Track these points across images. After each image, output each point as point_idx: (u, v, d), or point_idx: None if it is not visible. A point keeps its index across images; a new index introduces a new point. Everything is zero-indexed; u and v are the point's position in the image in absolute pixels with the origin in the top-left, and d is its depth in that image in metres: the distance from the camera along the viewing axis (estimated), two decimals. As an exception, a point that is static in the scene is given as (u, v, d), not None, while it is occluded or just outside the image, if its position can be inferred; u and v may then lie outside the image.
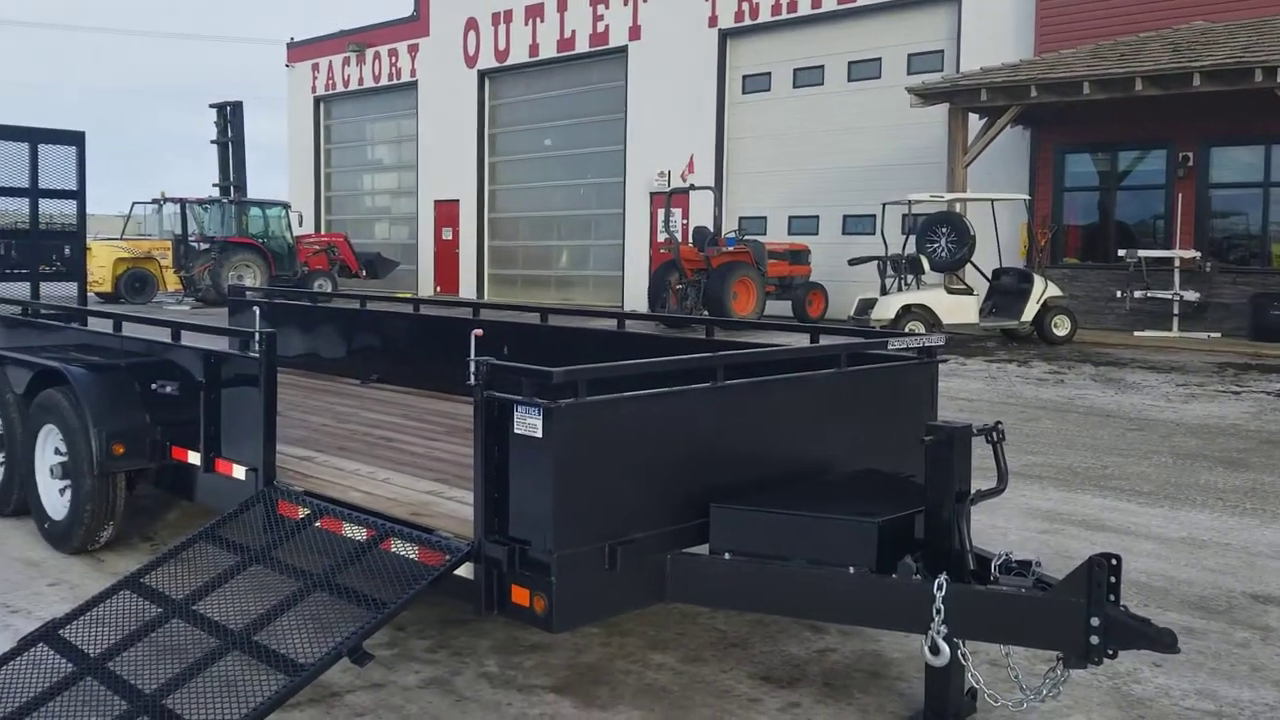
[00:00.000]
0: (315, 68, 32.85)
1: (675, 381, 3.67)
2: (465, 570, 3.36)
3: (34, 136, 7.59)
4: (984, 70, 17.11)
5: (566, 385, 3.24)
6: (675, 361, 3.87)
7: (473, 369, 3.39)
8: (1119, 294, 16.77)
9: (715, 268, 18.33)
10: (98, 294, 22.75)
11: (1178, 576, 5.07)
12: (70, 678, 3.42)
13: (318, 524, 3.81)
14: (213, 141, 26.91)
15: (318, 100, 33.04)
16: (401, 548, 3.51)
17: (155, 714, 3.11)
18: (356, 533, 3.67)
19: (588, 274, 26.12)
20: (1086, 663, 3.20)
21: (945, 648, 3.24)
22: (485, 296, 27.48)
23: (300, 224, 26.16)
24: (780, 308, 19.32)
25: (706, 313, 17.72)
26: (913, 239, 15.99)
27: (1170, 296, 16.29)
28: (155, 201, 26.73)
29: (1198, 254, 16.35)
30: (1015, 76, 16.24)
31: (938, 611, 3.24)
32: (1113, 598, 3.16)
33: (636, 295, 22.52)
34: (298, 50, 33.53)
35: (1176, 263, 16.24)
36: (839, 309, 18.46)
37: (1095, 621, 3.13)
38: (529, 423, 3.25)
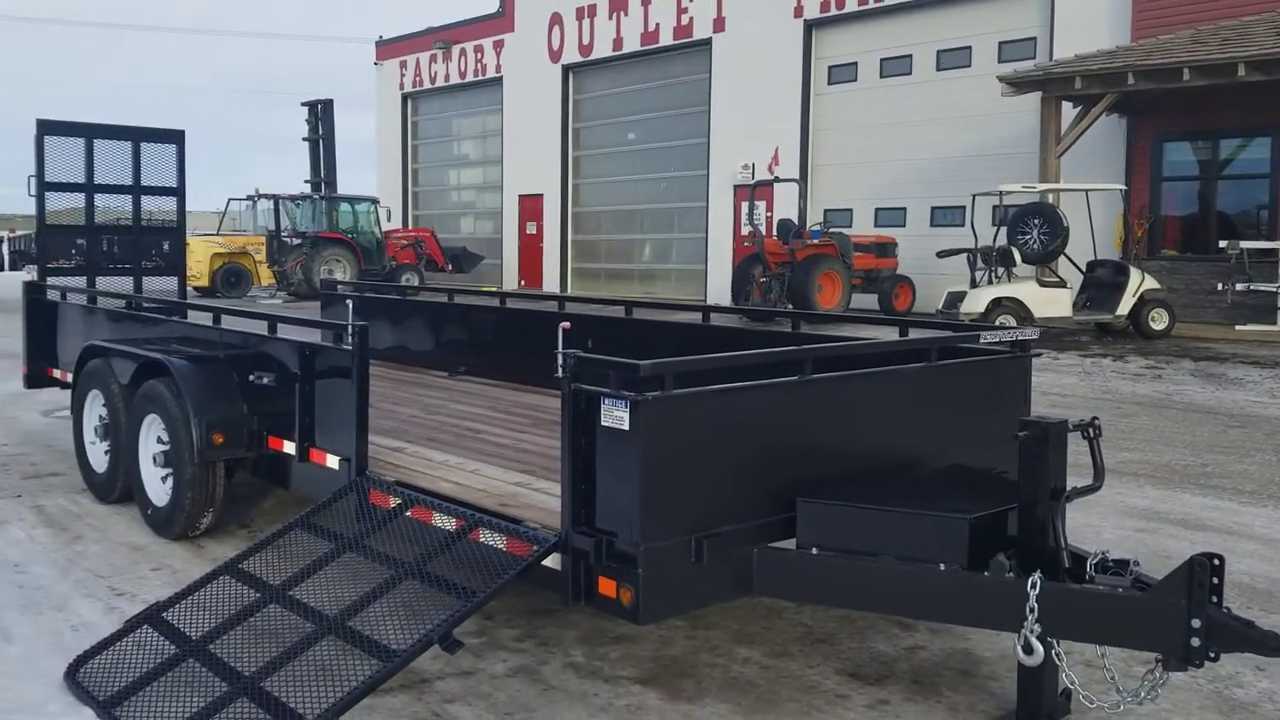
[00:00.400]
0: (403, 65, 33.38)
1: (762, 375, 3.65)
2: (553, 561, 3.39)
3: (137, 135, 7.83)
4: (1078, 58, 16.66)
5: (653, 378, 3.24)
6: (762, 355, 3.83)
7: (560, 361, 3.42)
8: (1220, 286, 16.20)
9: (800, 261, 18.18)
10: (194, 288, 23.43)
11: (1283, 579, 4.90)
12: (173, 659, 3.54)
13: (408, 513, 3.87)
14: (304, 139, 27.52)
15: (405, 97, 33.56)
16: (490, 538, 3.55)
17: (254, 696, 3.20)
18: (446, 522, 3.72)
19: (670, 268, 26.11)
20: (1187, 665, 3.11)
21: (1039, 647, 3.18)
22: (569, 290, 27.64)
23: (388, 219, 26.63)
24: (866, 301, 19.09)
25: (791, 306, 17.59)
26: (1004, 231, 15.65)
27: (1274, 289, 15.68)
28: (250, 198, 27.45)
29: (1304, 245, 15.73)
30: (1112, 63, 15.79)
31: (1031, 610, 3.17)
32: (1215, 599, 3.07)
33: (719, 289, 22.44)
34: (386, 48, 34.11)
35: (1281, 254, 15.65)
36: (926, 302, 18.18)
37: (1196, 623, 3.05)
38: (616, 415, 3.26)
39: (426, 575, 3.49)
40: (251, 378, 4.90)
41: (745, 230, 20.36)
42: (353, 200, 26.06)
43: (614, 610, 3.30)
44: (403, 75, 33.42)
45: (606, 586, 3.30)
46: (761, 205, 21.47)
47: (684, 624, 4.20)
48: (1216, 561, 3.08)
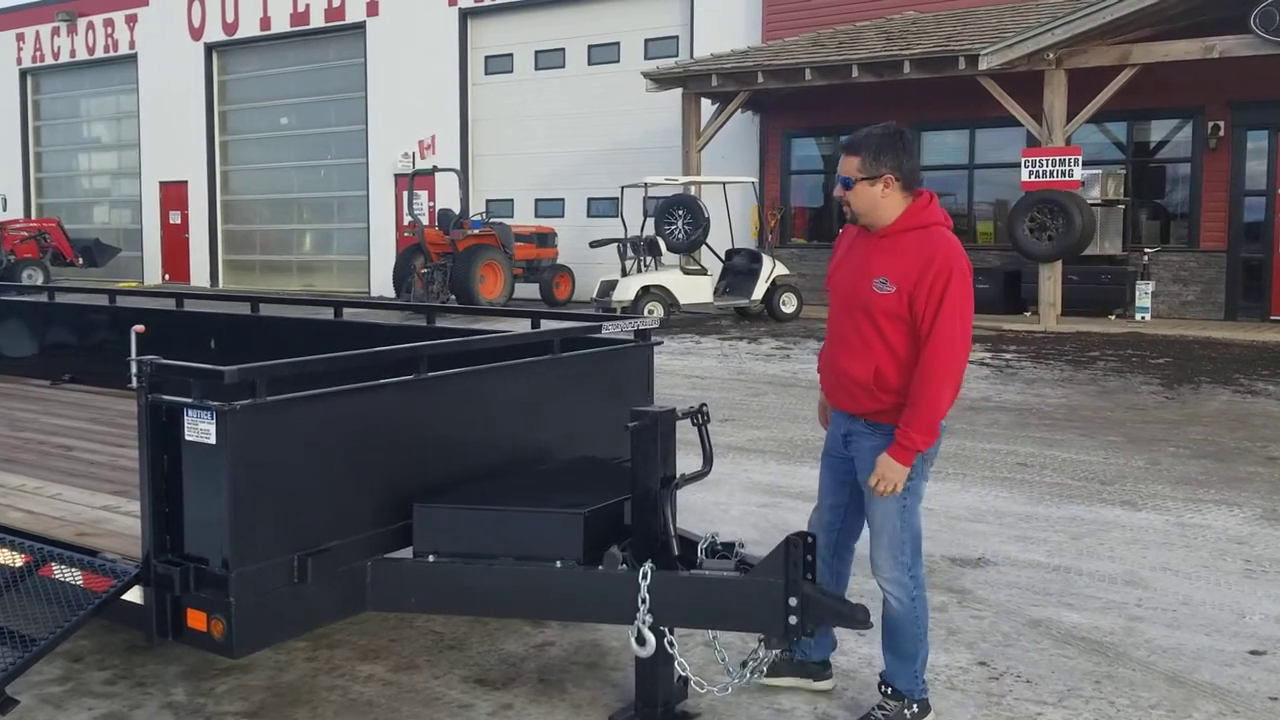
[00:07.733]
0: (20, 38, 29.97)
1: (379, 375, 3.46)
2: (135, 594, 3.05)
3: None
4: (715, 56, 17.53)
5: (244, 385, 2.98)
6: (371, 355, 3.60)
7: (134, 370, 3.07)
8: (840, 272, 17.60)
9: (461, 251, 17.97)
10: None
11: (885, 543, 5.29)
12: None
13: (-36, 551, 3.37)
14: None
15: (24, 73, 30.19)
16: (64, 573, 3.16)
17: None
18: (11, 558, 3.27)
19: (332, 259, 25.11)
20: (786, 642, 3.25)
21: (650, 637, 3.20)
22: (220, 284, 25.95)
23: (4, 208, 23.84)
24: (529, 291, 19.21)
25: (454, 297, 17.38)
26: (651, 221, 16.23)
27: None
28: None
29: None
30: (743, 63, 16.71)
31: (643, 601, 3.19)
32: (809, 576, 3.20)
33: (383, 280, 21.82)
34: (-2, 18, 30.48)
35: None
36: (585, 291, 18.53)
37: (793, 601, 3.16)
38: (201, 428, 2.98)
39: (-22, 624, 3.04)
40: None
41: (407, 220, 19.92)
42: (-43, 187, 23.11)
43: (206, 645, 3.03)
44: (20, 49, 30.02)
45: (196, 619, 3.01)
46: (424, 195, 21.07)
47: (304, 645, 3.94)
48: (810, 539, 3.21)
